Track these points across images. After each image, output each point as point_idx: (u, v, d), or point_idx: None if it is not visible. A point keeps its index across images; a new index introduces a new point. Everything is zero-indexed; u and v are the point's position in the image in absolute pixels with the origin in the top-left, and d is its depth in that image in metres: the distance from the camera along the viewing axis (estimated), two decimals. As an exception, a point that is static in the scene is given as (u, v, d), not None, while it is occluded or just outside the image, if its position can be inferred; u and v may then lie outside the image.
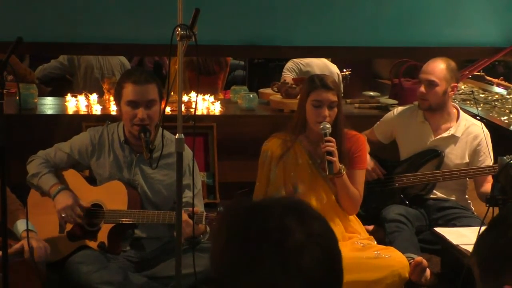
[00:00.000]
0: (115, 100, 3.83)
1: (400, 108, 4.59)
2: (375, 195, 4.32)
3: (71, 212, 3.67)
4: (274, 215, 1.46)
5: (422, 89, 4.28)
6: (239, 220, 1.49)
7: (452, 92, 4.30)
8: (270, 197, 1.52)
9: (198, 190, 3.76)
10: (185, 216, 3.27)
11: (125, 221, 3.64)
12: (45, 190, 3.75)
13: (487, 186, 4.12)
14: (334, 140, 3.76)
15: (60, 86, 6.38)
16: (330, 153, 3.74)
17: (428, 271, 3.80)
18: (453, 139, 4.32)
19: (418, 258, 3.80)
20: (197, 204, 3.62)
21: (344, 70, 6.52)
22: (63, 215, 3.69)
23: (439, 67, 4.26)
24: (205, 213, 3.44)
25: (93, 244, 3.67)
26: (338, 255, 1.49)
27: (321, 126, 3.77)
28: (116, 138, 3.81)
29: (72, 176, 3.83)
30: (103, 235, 3.66)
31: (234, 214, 1.52)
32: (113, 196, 3.69)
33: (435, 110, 4.32)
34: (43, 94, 5.86)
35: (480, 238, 1.66)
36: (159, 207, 3.75)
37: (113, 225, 3.66)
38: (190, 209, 3.35)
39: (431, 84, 4.25)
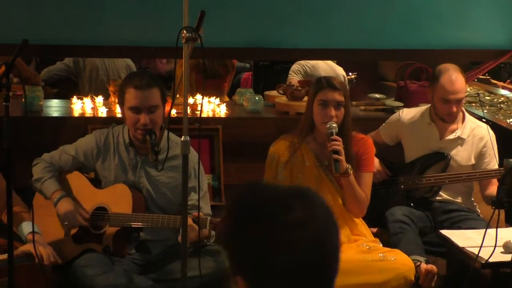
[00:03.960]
0: (119, 104, 3.83)
1: (406, 110, 4.57)
2: (379, 197, 4.30)
3: (74, 219, 3.68)
4: (280, 193, 1.53)
5: (454, 109, 4.20)
6: (245, 192, 1.56)
7: None
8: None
9: (204, 193, 3.76)
10: (189, 221, 3.27)
11: (129, 224, 3.64)
12: (47, 196, 3.75)
13: (492, 189, 4.11)
14: (340, 139, 3.75)
15: (66, 88, 6.38)
16: (336, 152, 3.74)
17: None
18: (459, 141, 4.30)
19: (429, 266, 3.80)
20: (204, 206, 3.62)
21: (350, 73, 6.50)
22: (65, 222, 3.70)
23: (462, 81, 4.21)
24: (209, 218, 3.44)
25: (98, 247, 3.66)
26: (333, 244, 1.52)
27: (328, 126, 3.77)
28: (121, 141, 3.81)
29: (76, 179, 3.83)
30: (108, 238, 3.66)
31: (243, 188, 1.58)
32: (117, 199, 3.69)
33: None
34: (48, 96, 5.87)
35: None
36: (164, 210, 3.75)
37: (118, 228, 3.66)
38: (194, 213, 3.35)
39: (460, 100, 4.22)
